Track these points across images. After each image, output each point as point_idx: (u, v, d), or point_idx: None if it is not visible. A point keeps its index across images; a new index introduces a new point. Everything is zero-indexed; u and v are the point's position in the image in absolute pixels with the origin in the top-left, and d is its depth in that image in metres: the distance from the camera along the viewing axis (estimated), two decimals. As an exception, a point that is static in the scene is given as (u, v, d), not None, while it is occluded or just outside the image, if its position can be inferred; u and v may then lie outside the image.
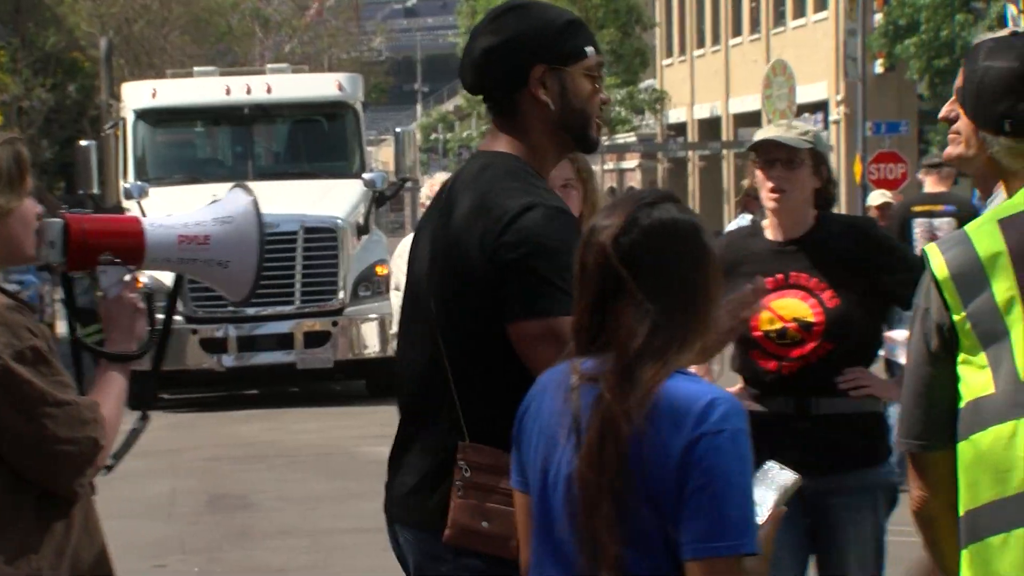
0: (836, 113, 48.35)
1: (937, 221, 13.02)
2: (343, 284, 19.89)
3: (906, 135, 42.39)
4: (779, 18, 54.39)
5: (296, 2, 67.48)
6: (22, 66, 50.82)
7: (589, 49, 4.36)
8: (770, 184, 5.55)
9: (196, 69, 26.43)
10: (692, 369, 3.42)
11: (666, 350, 3.27)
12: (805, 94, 48.47)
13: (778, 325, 5.46)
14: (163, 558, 10.77)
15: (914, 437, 3.54)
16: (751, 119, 49.08)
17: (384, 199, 21.69)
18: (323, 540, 11.03)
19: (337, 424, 17.37)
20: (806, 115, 48.63)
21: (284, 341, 19.22)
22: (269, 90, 22.83)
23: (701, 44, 62.16)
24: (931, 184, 13.85)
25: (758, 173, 5.65)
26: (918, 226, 13.09)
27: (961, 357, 3.44)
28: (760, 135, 5.78)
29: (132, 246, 4.13)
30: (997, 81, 3.59)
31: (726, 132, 56.56)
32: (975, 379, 3.41)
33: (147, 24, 58.81)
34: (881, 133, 38.92)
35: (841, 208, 45.66)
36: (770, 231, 5.70)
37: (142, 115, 22.24)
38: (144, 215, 20.14)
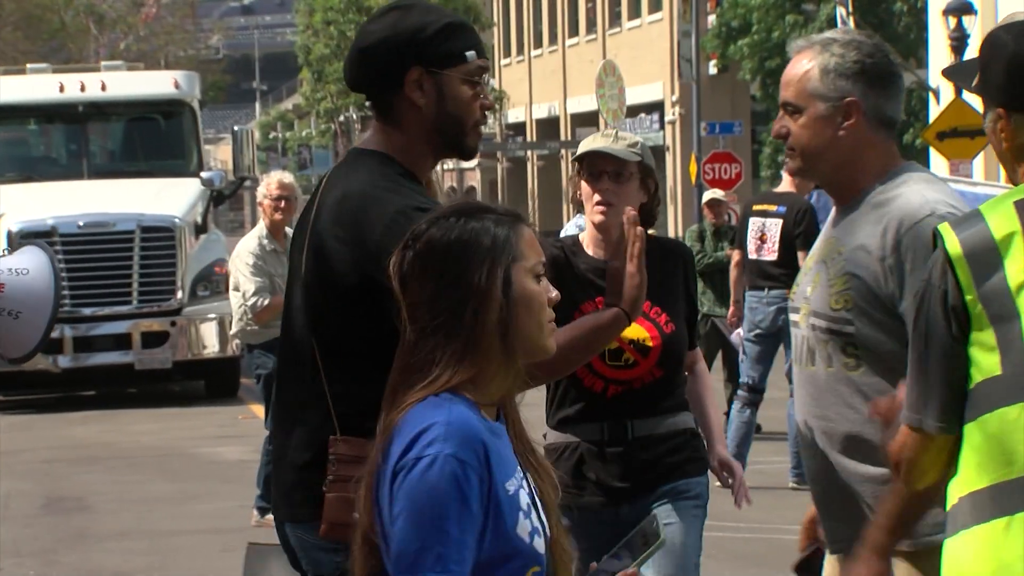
0: (671, 114, 48.77)
1: (768, 221, 13.01)
2: (181, 284, 19.74)
3: (740, 135, 42.76)
4: (615, 19, 54.78)
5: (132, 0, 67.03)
6: None
7: (470, 54, 4.29)
8: (597, 197, 5.40)
9: (29, 66, 26.14)
10: None
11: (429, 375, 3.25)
12: (641, 95, 48.96)
13: (614, 345, 5.22)
14: (1, 561, 10.59)
15: (934, 419, 3.50)
16: (588, 119, 49.48)
17: (223, 198, 21.66)
18: (161, 542, 10.94)
19: (175, 425, 17.30)
20: (642, 115, 49.19)
21: (121, 341, 19.04)
22: (104, 88, 22.63)
23: (539, 44, 62.47)
24: (786, 184, 13.78)
25: (584, 185, 5.49)
26: (752, 224, 13.10)
27: (972, 337, 3.43)
28: (586, 146, 5.56)
29: None
30: None
31: (564, 132, 56.86)
32: (984, 360, 3.41)
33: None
34: (715, 133, 39.37)
35: (677, 208, 46.17)
36: (591, 248, 5.53)
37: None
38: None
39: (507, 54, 65.81)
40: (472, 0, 59.45)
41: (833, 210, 4.55)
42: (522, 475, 3.32)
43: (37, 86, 23.07)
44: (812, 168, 4.50)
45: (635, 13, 52.92)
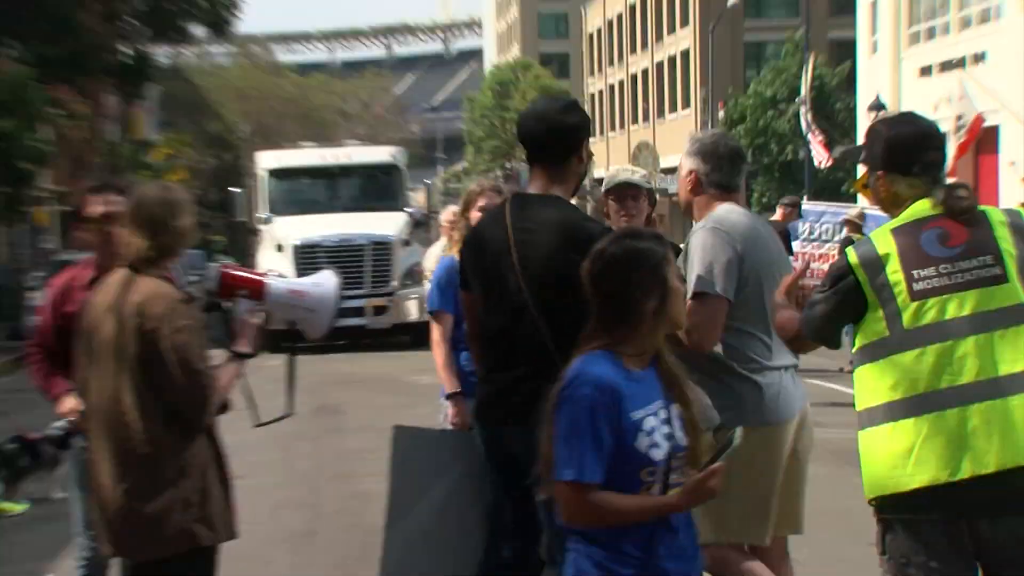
0: (696, 170, 48.30)
1: None
2: (395, 276, 19.87)
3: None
4: (661, 112, 54.44)
5: (364, 103, 67.42)
6: (198, 142, 50.76)
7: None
8: (623, 212, 5.12)
9: (302, 144, 26.45)
10: None
11: (592, 342, 3.17)
12: (674, 160, 48.37)
13: None
14: (288, 444, 10.69)
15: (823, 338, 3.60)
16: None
17: (419, 224, 21.77)
18: (385, 433, 10.77)
19: (392, 363, 17.24)
20: (671, 176, 48.80)
21: (359, 311, 19.12)
22: (349, 157, 22.89)
23: (613, 128, 62.15)
24: (778, 215, 13.78)
25: (612, 204, 5.15)
26: None
27: (868, 315, 3.43)
28: (616, 178, 5.22)
29: (257, 290, 4.11)
30: (907, 139, 3.55)
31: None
32: (877, 327, 3.41)
33: (273, 116, 58.74)
34: (723, 182, 38.91)
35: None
36: None
37: (271, 172, 22.28)
38: (273, 235, 20.42)
39: (593, 135, 65.55)
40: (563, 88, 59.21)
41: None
42: (661, 405, 3.18)
43: (308, 156, 23.39)
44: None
45: (673, 108, 52.55)
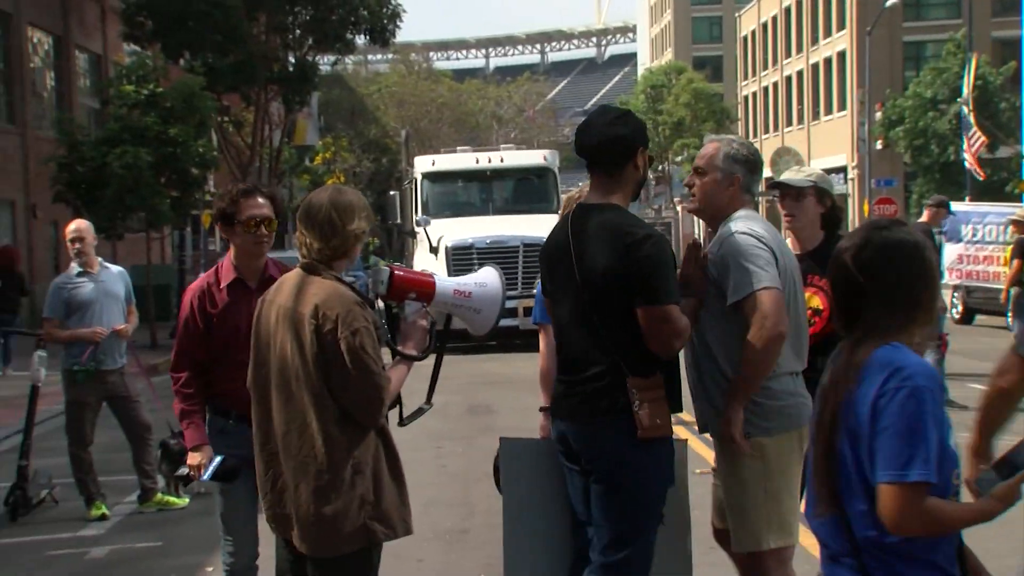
0: (852, 173, 47.30)
1: None
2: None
3: (896, 187, 41.51)
4: (816, 115, 53.40)
5: (518, 107, 67.75)
6: (355, 147, 51.69)
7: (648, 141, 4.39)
8: (784, 211, 5.15)
9: (458, 148, 26.67)
10: None
11: (885, 332, 2.85)
12: (832, 161, 47.70)
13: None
14: (441, 443, 10.84)
15: None
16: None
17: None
18: (535, 433, 10.76)
19: (543, 363, 17.18)
20: (832, 175, 47.76)
21: (512, 312, 19.06)
22: (502, 160, 23.00)
23: (767, 131, 61.25)
24: (925, 216, 12.97)
25: (778, 204, 5.22)
26: None
27: None
28: (781, 179, 5.27)
29: (426, 292, 4.07)
30: None
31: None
32: None
33: (429, 121, 59.50)
34: (880, 186, 38.12)
35: (855, 232, 44.71)
36: (793, 246, 5.07)
37: (426, 176, 22.54)
38: (428, 237, 20.65)
39: (746, 137, 64.67)
40: (725, 104, 58.56)
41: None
42: None
43: (463, 160, 23.55)
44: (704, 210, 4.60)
45: (829, 111, 51.50)
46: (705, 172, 4.57)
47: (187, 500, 8.89)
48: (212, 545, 6.94)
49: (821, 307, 4.98)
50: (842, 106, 49.37)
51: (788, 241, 5.17)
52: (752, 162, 4.58)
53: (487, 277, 4.20)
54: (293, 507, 3.90)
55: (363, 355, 3.78)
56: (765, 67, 61.58)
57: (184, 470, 5.03)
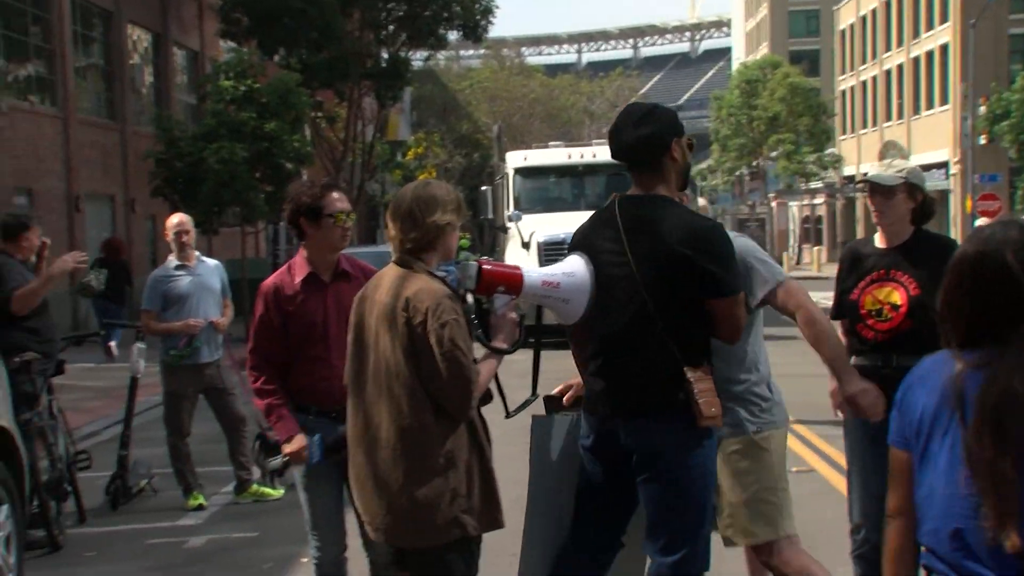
0: (953, 169, 46.33)
1: None
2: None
3: (1000, 183, 40.62)
4: (916, 109, 52.42)
5: (611, 102, 67.59)
6: (447, 143, 51.98)
7: (683, 128, 4.36)
8: (873, 207, 5.10)
9: (550, 143, 26.66)
10: None
11: None
12: (934, 156, 46.81)
13: (877, 307, 4.96)
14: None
15: None
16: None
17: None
18: None
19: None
20: (934, 170, 46.87)
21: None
22: (594, 155, 22.91)
23: (864, 126, 60.31)
24: None
25: (867, 199, 5.19)
26: None
27: None
28: (869, 177, 5.19)
29: (514, 285, 4.07)
30: None
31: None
32: None
33: (521, 117, 59.59)
34: (984, 181, 37.35)
35: (957, 230, 43.93)
36: (879, 240, 5.12)
37: (518, 171, 22.54)
38: (520, 232, 20.67)
39: (844, 132, 63.79)
40: (822, 99, 57.81)
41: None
42: None
43: (555, 155, 23.51)
44: None
45: (930, 105, 50.51)
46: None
47: (282, 492, 9.01)
48: (307, 537, 7.04)
49: (900, 303, 4.94)
50: (944, 100, 48.42)
51: (876, 236, 5.16)
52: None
53: (575, 266, 4.18)
54: (386, 499, 3.94)
55: (452, 347, 3.83)
56: (864, 61, 60.62)
57: (278, 461, 5.03)
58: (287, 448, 4.93)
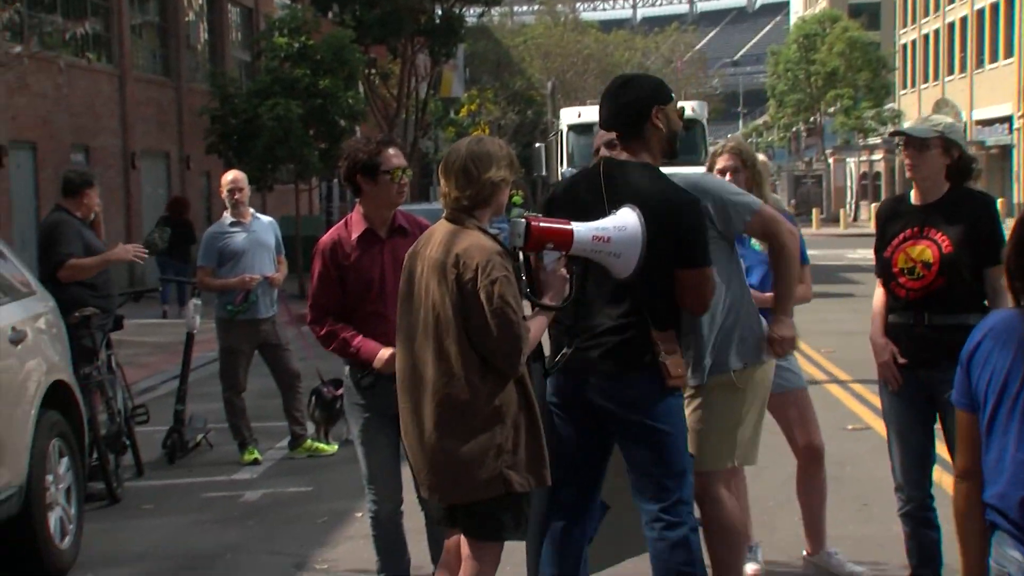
0: (1017, 123, 45.47)
1: None
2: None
3: (1065, 138, 39.80)
4: (979, 63, 51.46)
5: (666, 58, 67.04)
6: (501, 99, 51.79)
7: (672, 96, 4.47)
8: (906, 160, 4.98)
9: (605, 100, 26.47)
10: None
11: None
12: (996, 111, 46.00)
13: (910, 264, 4.89)
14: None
15: None
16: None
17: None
18: None
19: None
20: (996, 124, 46.07)
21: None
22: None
23: (925, 80, 59.34)
24: None
25: (902, 152, 5.07)
26: None
27: None
28: (902, 128, 5.16)
29: (564, 241, 4.06)
30: None
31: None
32: None
33: (575, 73, 59.25)
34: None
35: (1020, 184, 43.22)
36: (914, 197, 5.02)
37: (572, 128, 22.44)
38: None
39: (904, 87, 62.81)
40: (882, 53, 56.96)
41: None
42: None
43: (609, 112, 23.38)
44: None
45: (994, 58, 49.55)
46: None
47: (336, 447, 9.08)
48: (361, 492, 7.08)
49: (932, 261, 4.87)
50: (1008, 53, 47.45)
51: (912, 192, 5.06)
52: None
53: (626, 220, 4.15)
54: (431, 454, 3.98)
55: (502, 304, 3.84)
56: (926, 14, 59.55)
57: (370, 378, 4.94)
58: (377, 362, 4.89)
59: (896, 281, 4.96)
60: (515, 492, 3.95)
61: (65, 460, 6.48)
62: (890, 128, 56.92)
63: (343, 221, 5.22)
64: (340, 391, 9.23)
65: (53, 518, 6.22)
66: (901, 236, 4.97)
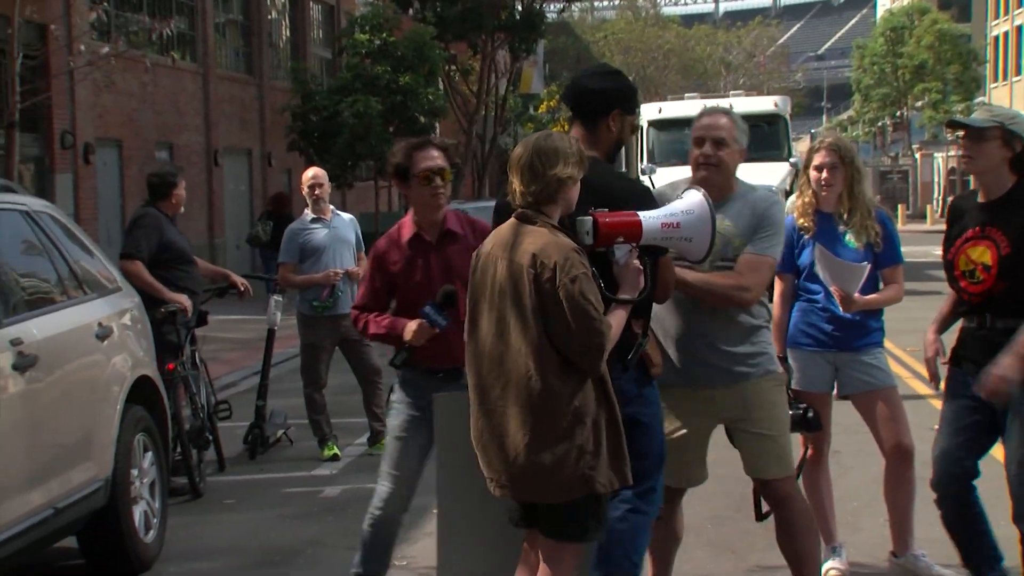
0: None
1: None
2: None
3: None
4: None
5: (748, 52, 66.42)
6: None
7: (637, 111, 4.46)
8: (963, 152, 4.82)
9: (686, 95, 26.32)
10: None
11: None
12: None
13: (970, 267, 4.75)
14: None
15: None
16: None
17: (797, 174, 21.23)
18: None
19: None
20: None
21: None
22: (731, 107, 22.52)
23: (1018, 73, 58.09)
24: None
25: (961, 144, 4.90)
26: None
27: None
28: (957, 118, 5.03)
29: (634, 233, 4.05)
30: None
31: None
32: None
33: (656, 68, 58.99)
34: None
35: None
36: (980, 194, 4.86)
37: (652, 123, 22.30)
38: (654, 185, 20.40)
39: (995, 80, 61.59)
40: (972, 46, 55.92)
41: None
42: None
43: (690, 107, 23.10)
44: None
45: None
46: (727, 144, 4.76)
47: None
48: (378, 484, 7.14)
49: (991, 263, 4.71)
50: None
51: (980, 191, 4.87)
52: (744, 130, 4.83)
53: (692, 203, 4.14)
54: (511, 459, 3.94)
55: (583, 302, 3.80)
56: (1019, 5, 58.29)
57: (402, 355, 4.98)
58: (406, 334, 4.92)
59: (957, 285, 4.84)
60: (597, 493, 3.92)
61: (149, 455, 6.58)
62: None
63: (397, 225, 5.23)
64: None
65: (138, 512, 6.33)
66: (964, 236, 4.82)
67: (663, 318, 4.70)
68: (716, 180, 4.70)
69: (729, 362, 4.67)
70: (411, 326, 4.93)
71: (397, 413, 5.14)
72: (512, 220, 4.05)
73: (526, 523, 4.12)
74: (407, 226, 5.14)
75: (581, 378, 3.89)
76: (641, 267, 4.09)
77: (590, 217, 4.04)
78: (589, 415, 3.88)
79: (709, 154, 4.69)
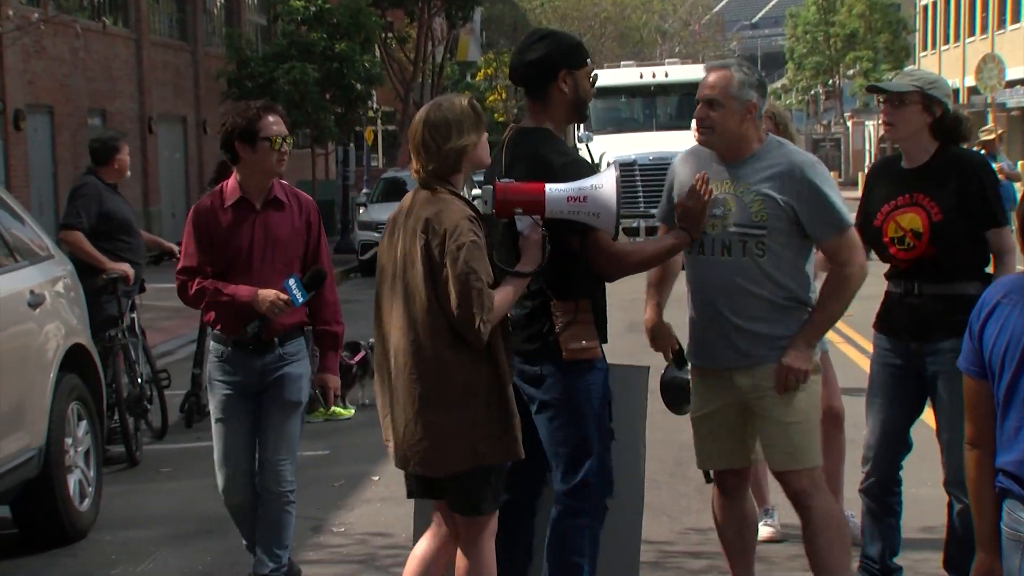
0: (1038, 87, 45.10)
1: None
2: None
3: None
4: (1001, 23, 50.95)
5: (683, 21, 66.56)
6: (516, 63, 51.51)
7: (588, 60, 4.27)
8: (884, 118, 4.74)
9: (622, 63, 26.36)
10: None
11: None
12: (1018, 73, 45.55)
13: (899, 234, 4.65)
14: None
15: None
16: (975, 91, 46.27)
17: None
18: None
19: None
20: (1019, 87, 45.64)
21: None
22: (666, 75, 22.65)
23: (946, 42, 58.77)
24: None
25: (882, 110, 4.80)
26: None
27: None
28: (875, 82, 4.93)
29: (536, 204, 3.93)
30: None
31: (963, 98, 53.41)
32: None
33: (592, 37, 58.94)
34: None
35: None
36: (905, 160, 4.76)
37: (588, 91, 22.37)
38: (590, 153, 20.50)
39: (924, 49, 62.22)
40: (902, 15, 56.47)
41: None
42: None
43: (626, 75, 23.26)
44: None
45: (1017, 18, 49.06)
46: (721, 104, 4.36)
47: (352, 411, 9.11)
48: (378, 455, 7.10)
49: (921, 230, 4.64)
50: (1030, 15, 47.01)
51: (904, 158, 4.82)
52: (763, 84, 4.47)
53: (604, 178, 4.01)
54: (402, 428, 3.89)
55: (466, 269, 3.72)
56: (946, -25, 59.00)
57: (255, 324, 4.83)
58: (262, 303, 4.80)
59: (886, 251, 4.76)
60: (487, 465, 3.87)
61: (84, 423, 6.51)
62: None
63: (219, 187, 5.11)
64: (357, 357, 9.25)
65: (72, 481, 6.26)
66: (892, 203, 4.73)
67: (689, 300, 4.56)
68: (715, 143, 4.43)
69: (748, 344, 4.40)
70: (266, 293, 4.82)
71: (217, 394, 5.00)
72: (416, 187, 4.00)
73: (421, 494, 4.08)
74: (231, 190, 5.01)
75: (474, 351, 3.80)
76: (540, 239, 3.95)
77: (491, 186, 3.96)
78: (480, 388, 3.82)
79: (701, 117, 4.42)
